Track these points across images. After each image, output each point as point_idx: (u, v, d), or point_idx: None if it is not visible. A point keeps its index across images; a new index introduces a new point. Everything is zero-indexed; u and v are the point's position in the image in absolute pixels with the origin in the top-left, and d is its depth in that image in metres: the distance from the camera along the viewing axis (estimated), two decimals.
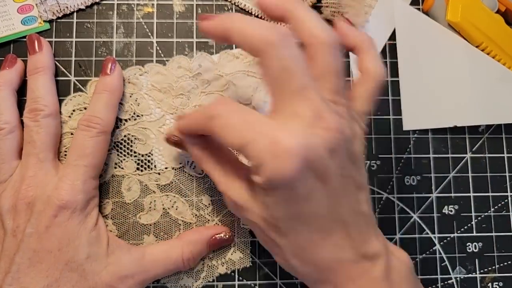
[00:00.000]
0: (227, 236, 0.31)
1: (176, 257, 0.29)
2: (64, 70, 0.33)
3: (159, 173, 0.32)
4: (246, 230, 0.32)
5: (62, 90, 0.32)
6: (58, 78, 0.33)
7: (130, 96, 0.32)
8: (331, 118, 0.22)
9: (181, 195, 0.32)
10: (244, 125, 0.22)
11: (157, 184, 0.32)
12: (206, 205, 0.32)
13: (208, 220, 0.32)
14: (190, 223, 0.32)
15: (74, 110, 0.32)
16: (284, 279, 0.32)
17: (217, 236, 0.31)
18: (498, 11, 0.36)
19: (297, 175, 0.21)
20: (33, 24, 0.33)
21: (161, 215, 0.32)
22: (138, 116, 0.32)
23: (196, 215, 0.32)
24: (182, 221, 0.32)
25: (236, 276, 0.32)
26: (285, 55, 0.22)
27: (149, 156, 0.32)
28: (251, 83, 0.33)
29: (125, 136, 0.32)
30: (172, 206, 0.32)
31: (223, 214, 0.32)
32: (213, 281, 0.32)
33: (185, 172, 0.32)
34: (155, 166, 0.32)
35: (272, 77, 0.22)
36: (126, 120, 0.32)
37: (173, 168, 0.32)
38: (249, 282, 0.32)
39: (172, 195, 0.32)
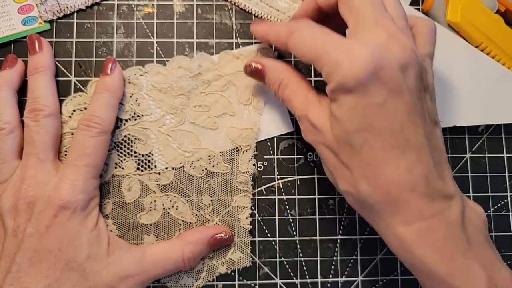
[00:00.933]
0: (227, 236, 0.31)
1: (177, 257, 0.29)
2: (65, 70, 0.33)
3: (159, 173, 0.32)
4: (246, 230, 0.32)
5: (62, 90, 0.32)
6: (59, 78, 0.33)
7: (131, 96, 0.32)
8: (406, 39, 0.24)
9: (181, 195, 0.32)
10: (322, 37, 0.24)
11: (157, 184, 0.32)
12: (206, 205, 0.32)
13: (208, 220, 0.32)
14: (190, 223, 0.32)
15: (74, 110, 0.32)
16: (284, 279, 0.32)
17: (217, 236, 0.31)
18: (497, 11, 0.36)
19: (368, 77, 0.22)
20: (34, 24, 0.33)
21: (162, 215, 0.32)
22: (138, 116, 0.32)
23: (196, 215, 0.32)
24: (183, 221, 0.32)
25: (236, 276, 0.32)
26: None
27: (149, 156, 0.32)
28: (251, 83, 0.33)
29: (125, 136, 0.32)
30: (173, 206, 0.32)
31: (223, 214, 0.32)
32: (213, 280, 0.32)
33: (185, 172, 0.32)
34: (155, 166, 0.32)
35: (353, 10, 0.24)
36: (126, 120, 0.32)
37: (173, 168, 0.32)
38: (249, 282, 0.32)
39: (173, 195, 0.32)
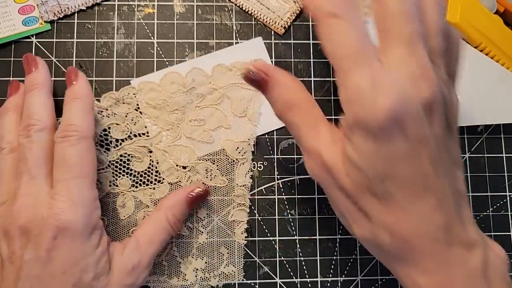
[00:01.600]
0: (202, 191, 0.30)
1: (164, 226, 0.29)
2: (65, 71, 0.33)
3: (154, 188, 0.32)
4: (241, 245, 0.32)
5: (63, 90, 0.32)
6: (59, 79, 0.33)
7: (126, 116, 0.32)
8: (434, 77, 0.21)
9: None
10: (358, 43, 0.21)
11: (151, 199, 0.32)
12: (201, 218, 0.32)
13: (202, 232, 0.32)
14: (183, 235, 0.32)
15: None
16: (284, 279, 0.33)
17: (193, 193, 0.30)
18: (497, 12, 0.36)
19: (391, 123, 0.20)
20: (34, 25, 0.33)
21: None
22: (135, 135, 0.32)
23: (189, 227, 0.32)
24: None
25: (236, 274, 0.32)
26: None
27: (145, 172, 0.32)
28: (245, 96, 0.33)
29: (121, 155, 0.32)
30: None
31: (219, 227, 0.32)
32: None
33: (181, 187, 0.32)
34: (151, 182, 0.32)
35: (387, 17, 0.22)
36: (122, 140, 0.32)
37: (169, 183, 0.32)
38: (249, 281, 0.32)
39: None
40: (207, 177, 0.32)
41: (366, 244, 0.24)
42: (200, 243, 0.32)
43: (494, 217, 0.34)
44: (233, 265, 0.32)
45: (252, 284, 0.32)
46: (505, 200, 0.35)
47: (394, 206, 0.22)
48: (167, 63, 0.34)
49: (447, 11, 0.35)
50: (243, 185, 0.32)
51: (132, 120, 0.32)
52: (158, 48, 0.34)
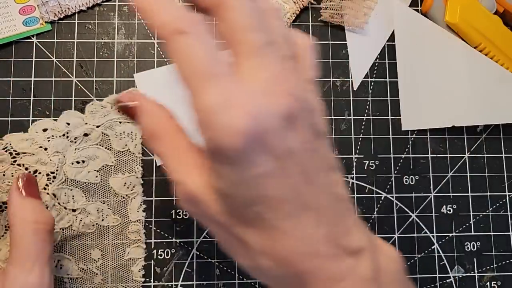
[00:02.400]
0: (25, 177, 0.27)
1: (30, 232, 0.26)
2: (66, 71, 0.33)
3: None
4: (139, 283, 0.31)
5: (64, 91, 0.33)
6: (59, 79, 0.33)
7: (4, 175, 0.31)
8: (289, 85, 0.20)
9: (67, 253, 0.31)
10: (209, 59, 0.19)
11: None
12: (95, 260, 0.31)
13: (96, 274, 0.31)
14: (77, 279, 0.31)
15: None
16: None
17: (19, 181, 0.27)
18: (496, 12, 0.36)
19: (251, 146, 0.18)
20: (35, 25, 0.33)
21: None
22: None
23: (83, 269, 0.31)
24: (68, 278, 0.31)
25: (236, 275, 0.32)
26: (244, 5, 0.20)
27: None
28: (125, 129, 0.32)
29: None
30: (56, 266, 0.31)
31: (115, 267, 0.31)
32: (214, 280, 0.32)
33: (74, 230, 0.31)
34: None
35: (232, 32, 0.20)
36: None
37: (61, 229, 0.31)
38: (249, 281, 0.32)
39: (56, 254, 0.30)
40: (99, 218, 0.31)
41: (256, 275, 0.22)
42: (95, 283, 0.31)
43: (493, 217, 0.35)
44: None
45: (253, 283, 0.32)
46: (504, 200, 0.35)
47: (269, 229, 0.20)
48: (167, 63, 0.34)
49: (446, 11, 0.35)
50: (137, 220, 0.32)
51: (12, 175, 0.31)
52: (159, 49, 0.34)
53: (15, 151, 0.31)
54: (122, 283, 0.31)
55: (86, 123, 0.32)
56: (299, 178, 0.20)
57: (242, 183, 0.19)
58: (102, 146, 0.32)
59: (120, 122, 0.32)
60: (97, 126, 0.32)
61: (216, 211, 0.21)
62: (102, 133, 0.32)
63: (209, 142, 0.19)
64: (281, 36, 0.21)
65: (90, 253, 0.31)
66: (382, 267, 0.22)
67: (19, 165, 0.31)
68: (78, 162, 0.32)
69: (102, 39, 0.34)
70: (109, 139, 0.32)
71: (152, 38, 0.34)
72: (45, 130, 0.32)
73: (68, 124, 0.32)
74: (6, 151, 0.31)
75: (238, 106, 0.18)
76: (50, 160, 0.31)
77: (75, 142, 0.32)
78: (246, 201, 0.20)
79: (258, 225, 0.20)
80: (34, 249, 0.25)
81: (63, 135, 0.32)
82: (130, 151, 0.32)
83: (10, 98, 0.33)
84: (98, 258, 0.31)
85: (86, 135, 0.32)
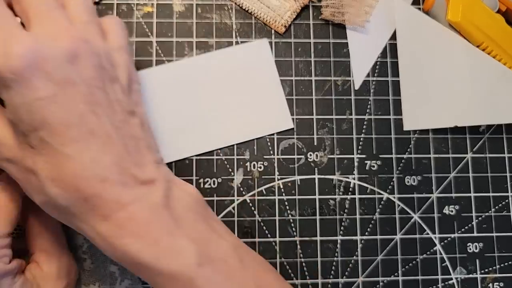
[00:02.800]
0: None
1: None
2: None
3: None
4: None
5: None
6: None
7: None
8: (77, 30, 0.23)
9: None
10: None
11: None
12: (79, 245, 0.30)
13: (85, 259, 0.30)
14: None
15: None
16: (284, 278, 0.32)
17: None
18: (498, 11, 0.36)
19: (28, 69, 0.20)
20: None
21: None
22: None
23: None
24: None
25: None
26: None
27: None
28: None
29: None
30: None
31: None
32: None
33: None
34: None
35: (21, 3, 0.23)
36: None
37: None
38: None
39: None
40: None
41: (48, 209, 0.23)
42: (86, 270, 0.30)
43: (496, 218, 0.34)
44: (128, 278, 0.31)
45: None
46: (507, 201, 0.34)
47: (54, 154, 0.21)
48: (166, 62, 0.33)
49: (448, 10, 0.35)
50: None
51: None
52: (157, 47, 0.34)
53: None
54: (112, 261, 0.30)
55: None
56: (85, 107, 0.22)
57: (24, 107, 0.21)
58: None
59: None
60: None
61: (9, 146, 0.22)
62: None
63: None
64: (76, 10, 0.24)
65: (74, 240, 0.30)
66: (176, 197, 0.24)
67: None
68: None
69: None
70: None
71: (151, 36, 0.34)
72: None
73: None
74: None
75: (19, 41, 0.21)
76: None
77: None
78: (30, 126, 0.21)
79: (45, 152, 0.21)
80: None
81: None
82: None
83: None
84: (82, 243, 0.31)
85: None
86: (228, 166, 0.33)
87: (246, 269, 0.24)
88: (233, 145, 0.33)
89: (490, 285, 0.33)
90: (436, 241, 0.34)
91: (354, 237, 0.33)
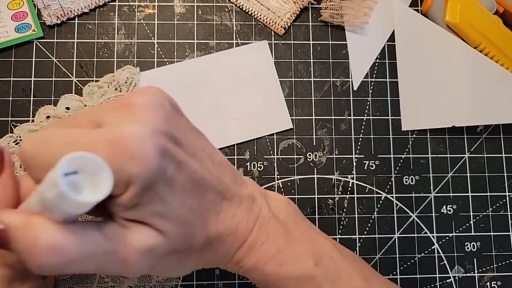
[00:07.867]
0: None
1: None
2: (66, 71, 0.33)
3: None
4: None
5: (63, 91, 0.33)
6: (59, 79, 0.33)
7: (21, 166, 0.31)
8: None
9: None
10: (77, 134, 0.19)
11: None
12: None
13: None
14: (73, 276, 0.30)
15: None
16: None
17: None
18: (496, 12, 0.36)
19: (160, 159, 0.19)
20: (27, 31, 0.33)
21: None
22: None
23: (113, 279, 0.31)
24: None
25: (236, 275, 0.32)
26: None
27: None
28: None
29: None
30: None
31: None
32: (214, 280, 0.32)
33: None
34: None
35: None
36: None
37: None
38: (249, 281, 0.32)
39: None
40: None
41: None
42: (94, 278, 0.31)
43: (493, 217, 0.35)
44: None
45: (253, 284, 0.32)
46: (504, 200, 0.35)
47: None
48: (167, 63, 0.34)
49: (446, 11, 0.35)
50: None
51: (20, 167, 0.31)
52: (159, 49, 0.34)
53: None
54: (121, 278, 0.31)
55: (85, 105, 0.32)
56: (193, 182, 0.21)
57: (167, 191, 0.20)
58: None
59: (117, 98, 0.33)
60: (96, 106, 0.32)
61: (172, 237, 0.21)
62: None
63: (129, 176, 0.18)
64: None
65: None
66: (275, 207, 0.25)
67: None
68: None
69: (102, 39, 0.34)
70: None
71: (152, 38, 0.34)
72: (48, 117, 0.32)
73: (68, 108, 0.32)
74: (16, 143, 0.31)
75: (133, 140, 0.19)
76: None
77: None
78: (183, 198, 0.21)
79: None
80: None
81: None
82: None
83: (10, 98, 0.33)
84: None
85: None
86: None
87: (349, 263, 0.26)
88: (233, 145, 0.33)
89: (488, 283, 0.34)
90: (434, 240, 0.34)
91: (352, 236, 0.33)
